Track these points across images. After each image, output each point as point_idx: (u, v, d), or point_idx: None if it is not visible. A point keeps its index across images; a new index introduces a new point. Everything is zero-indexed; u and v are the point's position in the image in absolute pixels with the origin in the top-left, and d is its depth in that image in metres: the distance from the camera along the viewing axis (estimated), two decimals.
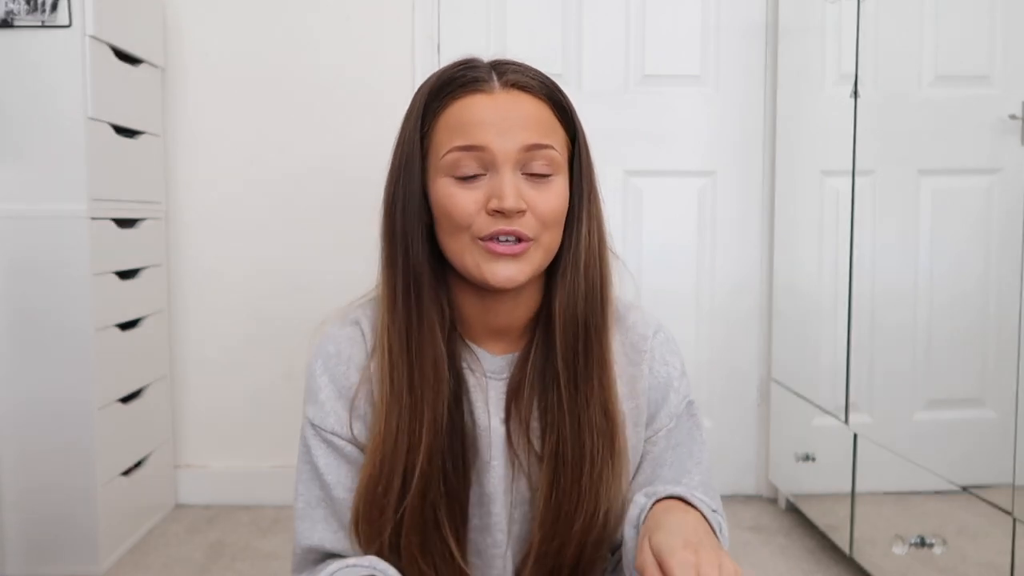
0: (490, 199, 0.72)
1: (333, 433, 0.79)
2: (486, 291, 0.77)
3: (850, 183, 1.75)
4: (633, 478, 0.84)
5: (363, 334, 0.81)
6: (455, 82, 0.75)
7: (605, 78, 2.25)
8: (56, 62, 1.72)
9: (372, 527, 0.77)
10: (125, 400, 1.92)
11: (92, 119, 1.76)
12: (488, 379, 0.80)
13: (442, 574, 0.78)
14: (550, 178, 0.75)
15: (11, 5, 1.70)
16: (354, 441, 0.79)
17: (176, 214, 2.22)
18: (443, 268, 0.79)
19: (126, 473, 1.92)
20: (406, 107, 0.79)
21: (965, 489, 1.37)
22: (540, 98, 0.76)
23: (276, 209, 2.22)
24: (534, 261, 0.75)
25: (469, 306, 0.80)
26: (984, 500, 1.32)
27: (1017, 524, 1.23)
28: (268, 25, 2.20)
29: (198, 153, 2.22)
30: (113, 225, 1.86)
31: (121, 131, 1.91)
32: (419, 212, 0.75)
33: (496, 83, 0.75)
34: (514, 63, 0.77)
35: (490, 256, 0.73)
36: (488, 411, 0.80)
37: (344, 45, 2.21)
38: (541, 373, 0.79)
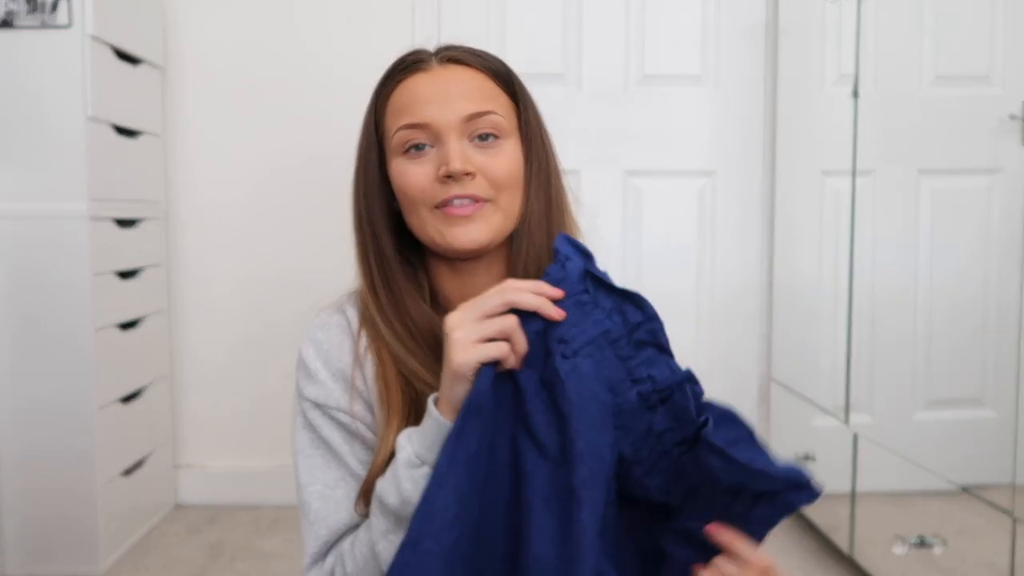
0: (439, 167, 0.76)
1: (339, 409, 0.81)
2: (458, 262, 0.81)
3: (850, 183, 1.75)
4: None
5: (348, 322, 0.84)
6: (398, 67, 0.80)
7: (605, 78, 2.24)
8: (56, 62, 1.72)
9: None
10: (125, 400, 1.92)
11: (92, 119, 1.76)
12: None
13: None
14: (498, 141, 0.78)
15: (11, 5, 1.70)
16: (358, 417, 0.81)
17: (176, 214, 2.22)
18: (418, 249, 0.82)
19: (126, 473, 1.92)
20: None
21: (965, 489, 1.37)
22: (477, 69, 0.80)
23: (276, 209, 2.22)
24: (493, 223, 0.78)
25: (446, 281, 0.83)
26: (984, 500, 1.32)
27: (1017, 524, 1.23)
28: (268, 25, 2.20)
29: (198, 153, 2.22)
30: (113, 225, 1.86)
31: (121, 131, 1.91)
32: (382, 197, 0.80)
33: (434, 61, 0.79)
34: (458, 45, 0.81)
35: (448, 220, 0.77)
36: None
37: (345, 45, 2.20)
38: None
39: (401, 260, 0.81)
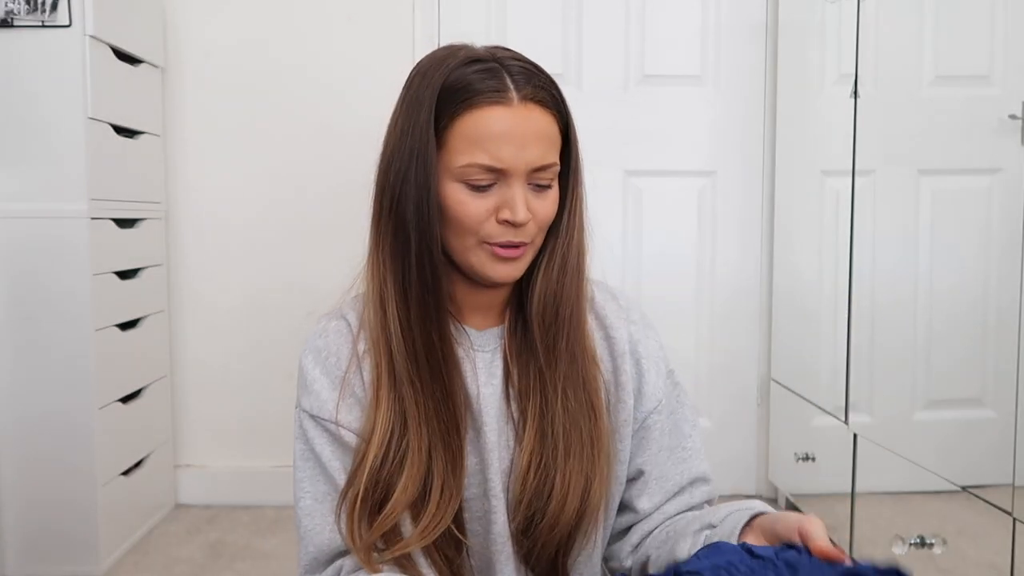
0: (499, 208, 0.77)
1: (332, 421, 0.81)
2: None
3: (850, 183, 1.75)
4: (640, 449, 0.87)
5: (349, 326, 0.84)
6: (472, 87, 0.76)
7: (605, 78, 2.25)
8: (56, 62, 1.72)
9: (377, 509, 0.78)
10: (125, 400, 1.92)
11: (92, 119, 1.76)
12: (476, 352, 0.85)
13: (440, 544, 0.80)
14: (549, 187, 0.80)
15: (11, 5, 1.70)
16: (351, 427, 0.81)
17: (176, 214, 2.22)
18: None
19: (126, 473, 1.92)
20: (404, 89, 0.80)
21: (965, 489, 1.37)
22: (551, 112, 0.79)
23: (276, 209, 2.22)
24: (528, 258, 0.81)
25: (459, 289, 0.84)
26: (984, 500, 1.32)
27: (1017, 524, 1.23)
28: (269, 25, 2.20)
29: (198, 153, 2.22)
30: (113, 225, 1.86)
31: (121, 131, 1.91)
32: (436, 206, 0.77)
33: (514, 95, 0.76)
34: (520, 64, 0.78)
35: (495, 258, 0.78)
36: (477, 382, 0.83)
37: (345, 45, 2.21)
38: (524, 346, 0.84)
39: (443, 267, 0.79)
